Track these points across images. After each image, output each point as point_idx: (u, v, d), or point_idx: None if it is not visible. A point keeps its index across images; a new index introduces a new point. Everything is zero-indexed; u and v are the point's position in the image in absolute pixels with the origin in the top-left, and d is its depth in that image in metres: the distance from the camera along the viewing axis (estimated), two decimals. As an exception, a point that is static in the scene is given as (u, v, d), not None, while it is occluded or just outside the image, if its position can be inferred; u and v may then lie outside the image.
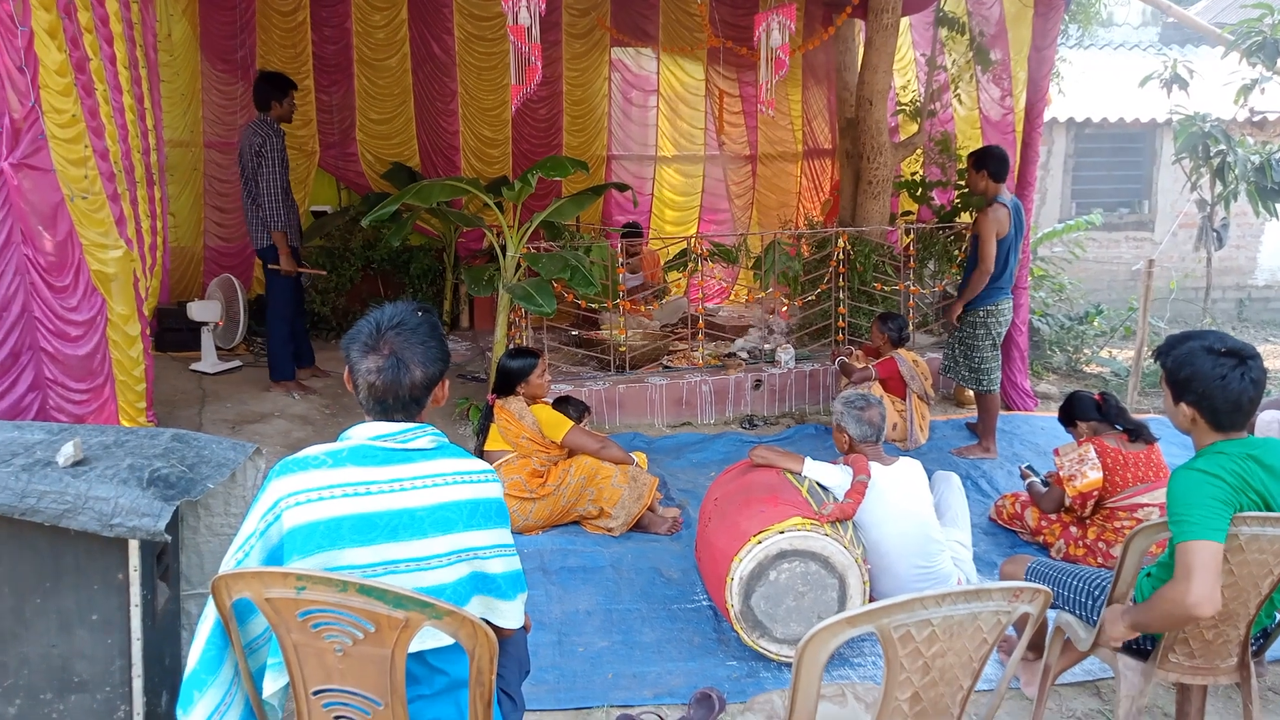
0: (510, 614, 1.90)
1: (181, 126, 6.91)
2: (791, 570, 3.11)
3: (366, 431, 1.84)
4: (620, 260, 6.59)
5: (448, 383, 1.95)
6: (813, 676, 1.77)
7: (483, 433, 4.34)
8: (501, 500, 1.89)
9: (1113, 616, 2.38)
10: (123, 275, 3.72)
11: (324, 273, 6.94)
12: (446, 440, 1.91)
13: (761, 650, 3.18)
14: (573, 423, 4.29)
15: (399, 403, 1.84)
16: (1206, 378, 2.20)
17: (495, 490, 1.88)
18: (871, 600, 3.13)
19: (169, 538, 2.29)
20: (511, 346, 4.98)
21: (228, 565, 1.74)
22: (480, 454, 4.28)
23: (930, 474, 3.84)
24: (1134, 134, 11.47)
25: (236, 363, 6.40)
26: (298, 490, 1.74)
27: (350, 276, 7.61)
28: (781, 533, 3.09)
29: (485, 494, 1.86)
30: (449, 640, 1.75)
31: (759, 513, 3.22)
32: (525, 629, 2.10)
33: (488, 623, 1.86)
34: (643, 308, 7.04)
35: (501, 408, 4.25)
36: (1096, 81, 11.17)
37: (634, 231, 7.75)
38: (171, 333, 6.44)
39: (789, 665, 3.16)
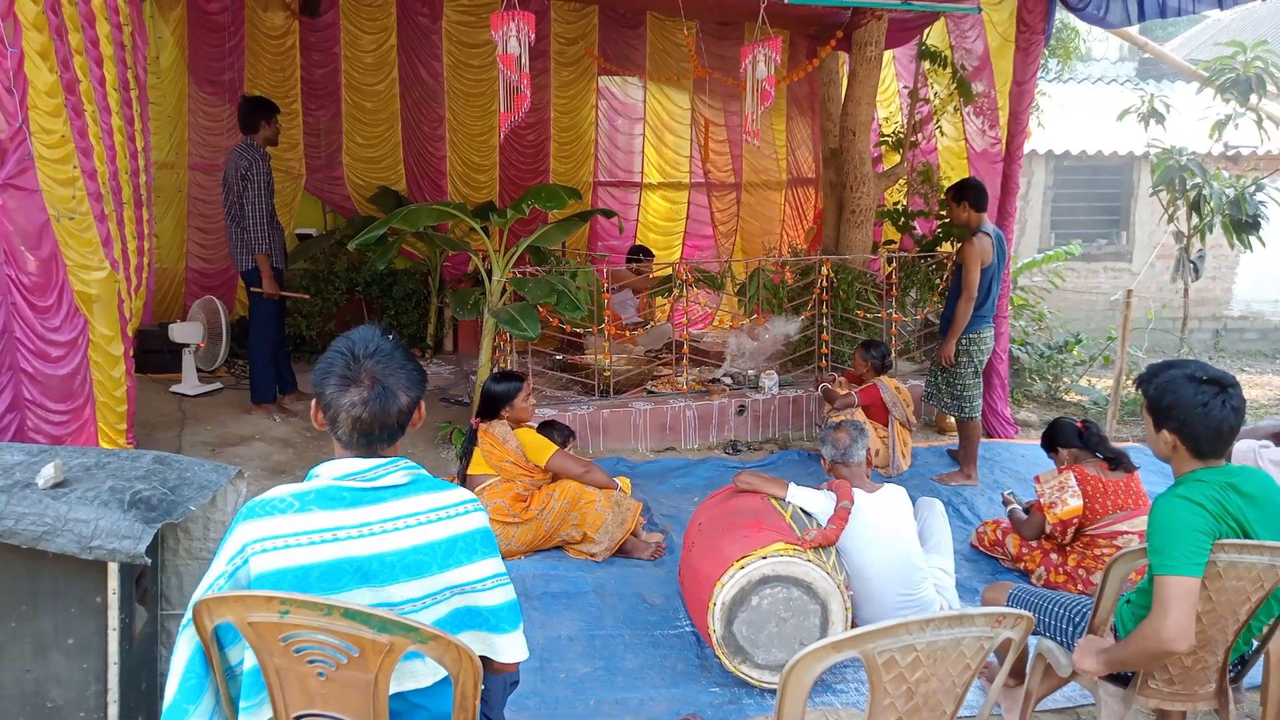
0: (510, 648, 1.83)
1: (166, 148, 6.91)
2: (774, 596, 3.11)
3: (333, 471, 1.78)
4: (612, 286, 6.61)
5: (424, 404, 1.89)
6: (797, 702, 1.77)
7: (466, 457, 4.33)
8: (487, 529, 1.84)
9: (1085, 649, 2.38)
10: (106, 296, 3.71)
11: (307, 296, 6.91)
12: (423, 472, 1.85)
13: (743, 676, 3.17)
14: (557, 447, 4.29)
15: (386, 431, 1.78)
16: (1188, 405, 2.24)
17: (478, 521, 1.82)
18: (854, 627, 3.14)
19: (149, 561, 2.27)
20: (496, 370, 4.97)
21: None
22: (463, 478, 4.26)
23: (914, 500, 3.86)
24: (1112, 166, 11.66)
25: (217, 385, 6.36)
26: (264, 536, 1.69)
27: (335, 300, 7.59)
28: (764, 558, 3.09)
29: (465, 528, 1.80)
30: (429, 681, 1.74)
31: (742, 538, 3.22)
32: None
33: (486, 660, 1.83)
34: (627, 333, 7.06)
35: (485, 431, 4.25)
36: (1075, 115, 11.36)
37: (641, 254, 7.73)
38: (152, 354, 6.39)
39: (771, 692, 3.16)
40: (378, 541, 1.72)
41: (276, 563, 1.68)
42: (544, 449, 4.23)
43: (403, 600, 1.73)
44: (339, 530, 1.71)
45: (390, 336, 1.84)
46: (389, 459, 1.81)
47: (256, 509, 1.73)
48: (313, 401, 1.83)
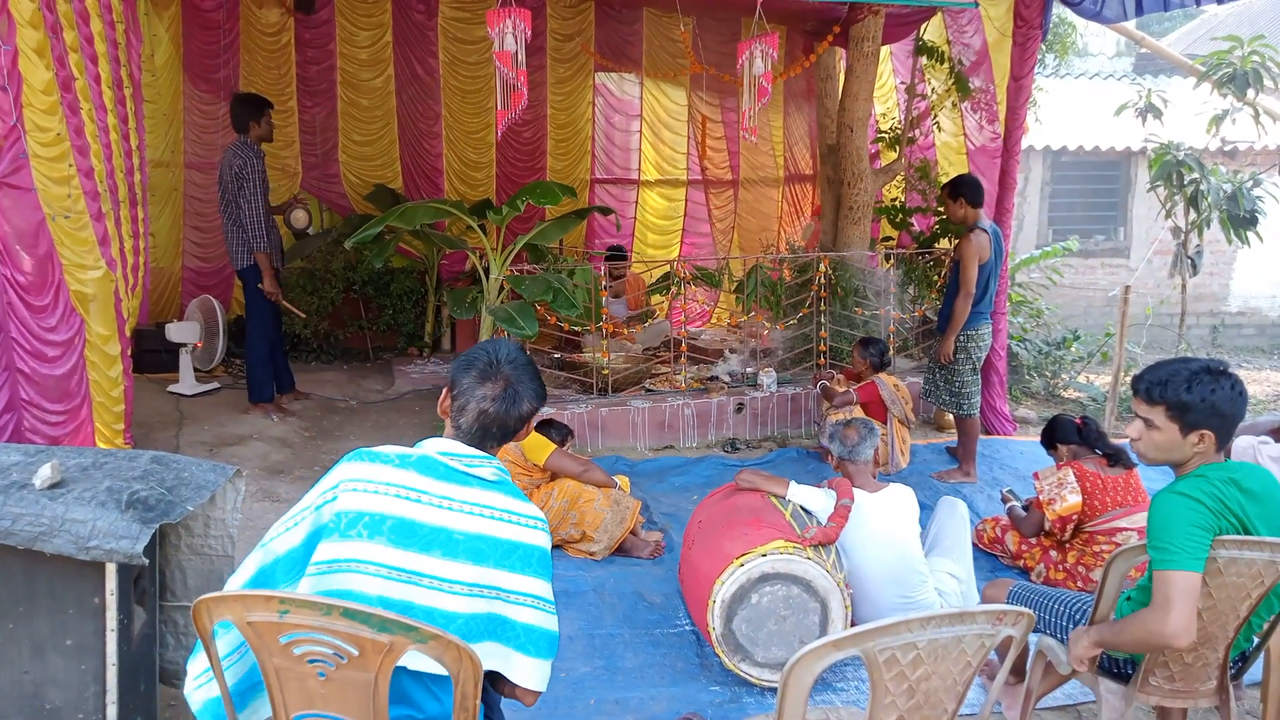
0: (526, 671, 1.83)
1: (162, 147, 6.89)
2: (774, 593, 3.11)
3: (439, 446, 1.89)
4: (603, 284, 6.59)
5: (533, 422, 2.02)
6: (799, 700, 1.76)
7: None
8: (545, 551, 1.87)
9: (1077, 635, 2.40)
10: (102, 296, 3.69)
11: (303, 316, 6.79)
12: (509, 478, 1.93)
13: (743, 674, 3.17)
14: (555, 445, 4.28)
15: (502, 432, 1.91)
16: (1226, 400, 2.24)
17: (539, 539, 1.86)
18: (852, 626, 3.13)
19: (146, 561, 2.26)
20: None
21: (275, 532, 1.82)
22: None
23: (936, 501, 3.85)
24: (1109, 162, 11.66)
25: (215, 384, 6.34)
26: (360, 478, 1.81)
27: (331, 298, 7.57)
28: (764, 555, 3.09)
29: (528, 539, 1.85)
30: (440, 667, 1.72)
31: (742, 535, 3.22)
32: None
33: (499, 679, 1.83)
34: (625, 331, 7.05)
35: None
36: (1072, 110, 11.36)
37: (618, 255, 7.75)
38: (149, 354, 6.38)
39: (772, 690, 3.16)
40: (452, 517, 1.80)
41: (361, 503, 1.78)
42: (542, 448, 4.22)
43: (453, 579, 1.77)
44: (423, 494, 1.81)
45: (526, 352, 2.00)
46: (488, 454, 1.91)
47: (362, 454, 1.86)
48: (444, 390, 1.96)
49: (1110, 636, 2.31)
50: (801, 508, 3.43)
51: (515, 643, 1.82)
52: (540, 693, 1.86)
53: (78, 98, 3.52)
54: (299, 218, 6.11)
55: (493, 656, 1.80)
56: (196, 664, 1.83)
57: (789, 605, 3.12)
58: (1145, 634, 2.18)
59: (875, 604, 3.35)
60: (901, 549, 3.37)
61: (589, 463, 4.37)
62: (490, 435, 1.91)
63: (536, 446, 4.22)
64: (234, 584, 1.81)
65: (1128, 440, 2.49)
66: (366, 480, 1.80)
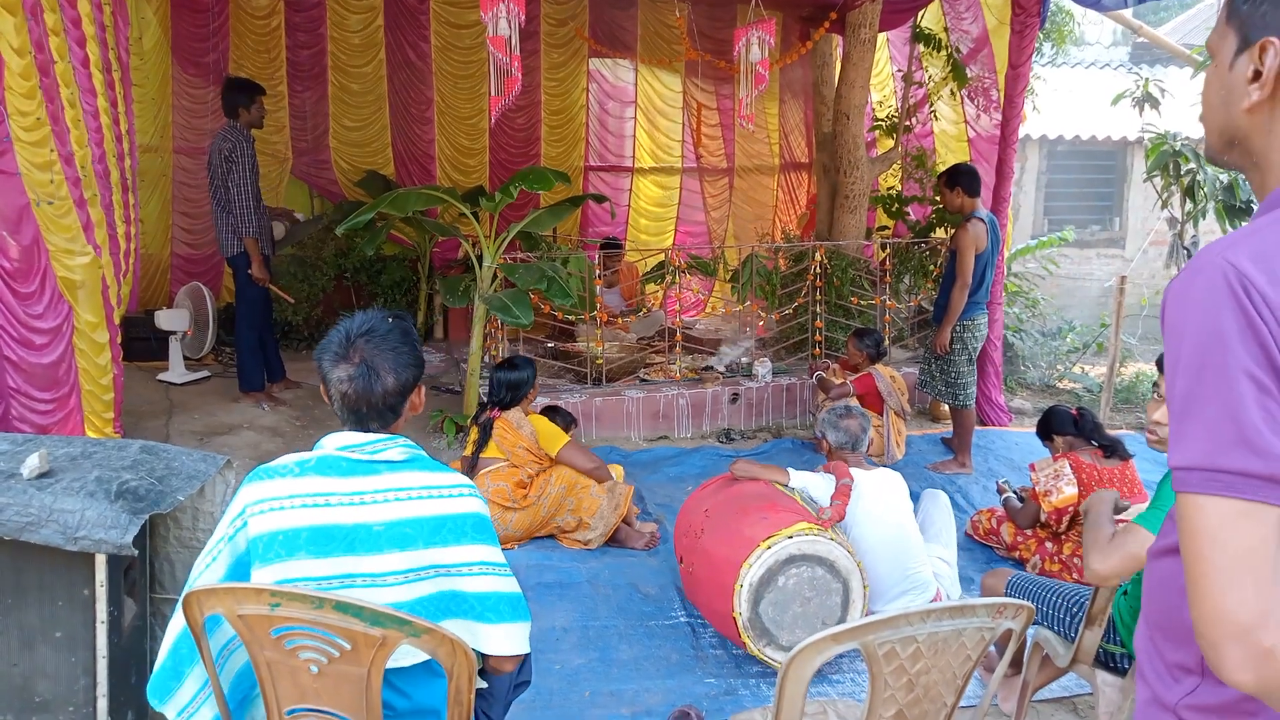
0: (495, 640, 1.78)
1: (151, 132, 6.81)
2: (800, 575, 3.10)
3: (336, 441, 1.81)
4: (597, 273, 6.55)
5: (424, 389, 1.91)
6: (797, 693, 1.74)
7: (481, 444, 4.24)
8: (481, 515, 1.81)
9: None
10: (90, 282, 3.64)
11: (292, 300, 6.74)
12: (421, 453, 1.86)
13: (767, 660, 3.14)
14: (569, 438, 4.28)
15: (373, 411, 1.81)
16: None
17: (470, 505, 1.80)
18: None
19: (136, 552, 2.23)
20: (503, 358, 4.87)
21: (197, 571, 1.74)
22: (474, 464, 4.20)
23: (919, 492, 3.87)
24: (1106, 152, 11.64)
25: (205, 373, 6.29)
26: (264, 498, 1.74)
27: (322, 286, 7.51)
28: (790, 538, 3.08)
29: (457, 509, 1.78)
30: (408, 662, 1.71)
31: (762, 519, 3.20)
32: None
33: (485, 657, 1.79)
34: (619, 320, 7.02)
35: (500, 416, 4.22)
36: (1069, 99, 11.32)
37: (613, 245, 7.70)
38: (138, 342, 6.31)
39: (769, 682, 3.15)
40: (368, 511, 1.74)
41: (271, 524, 1.71)
42: (557, 438, 4.22)
43: (385, 572, 1.73)
44: (331, 496, 1.74)
45: (391, 320, 1.87)
46: (389, 435, 1.83)
47: (260, 473, 1.78)
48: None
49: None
50: (806, 493, 3.47)
51: (473, 614, 1.77)
52: (518, 656, 1.81)
53: (57, 82, 3.45)
54: (275, 230, 6.08)
55: (459, 633, 1.74)
56: (178, 699, 1.74)
57: (813, 586, 3.11)
58: (1084, 553, 2.22)
59: (878, 579, 3.36)
60: (897, 523, 3.42)
61: (599, 461, 4.35)
62: (365, 416, 1.81)
63: (551, 435, 4.22)
64: (169, 637, 1.75)
65: (1123, 431, 2.47)
66: (271, 499, 1.73)
